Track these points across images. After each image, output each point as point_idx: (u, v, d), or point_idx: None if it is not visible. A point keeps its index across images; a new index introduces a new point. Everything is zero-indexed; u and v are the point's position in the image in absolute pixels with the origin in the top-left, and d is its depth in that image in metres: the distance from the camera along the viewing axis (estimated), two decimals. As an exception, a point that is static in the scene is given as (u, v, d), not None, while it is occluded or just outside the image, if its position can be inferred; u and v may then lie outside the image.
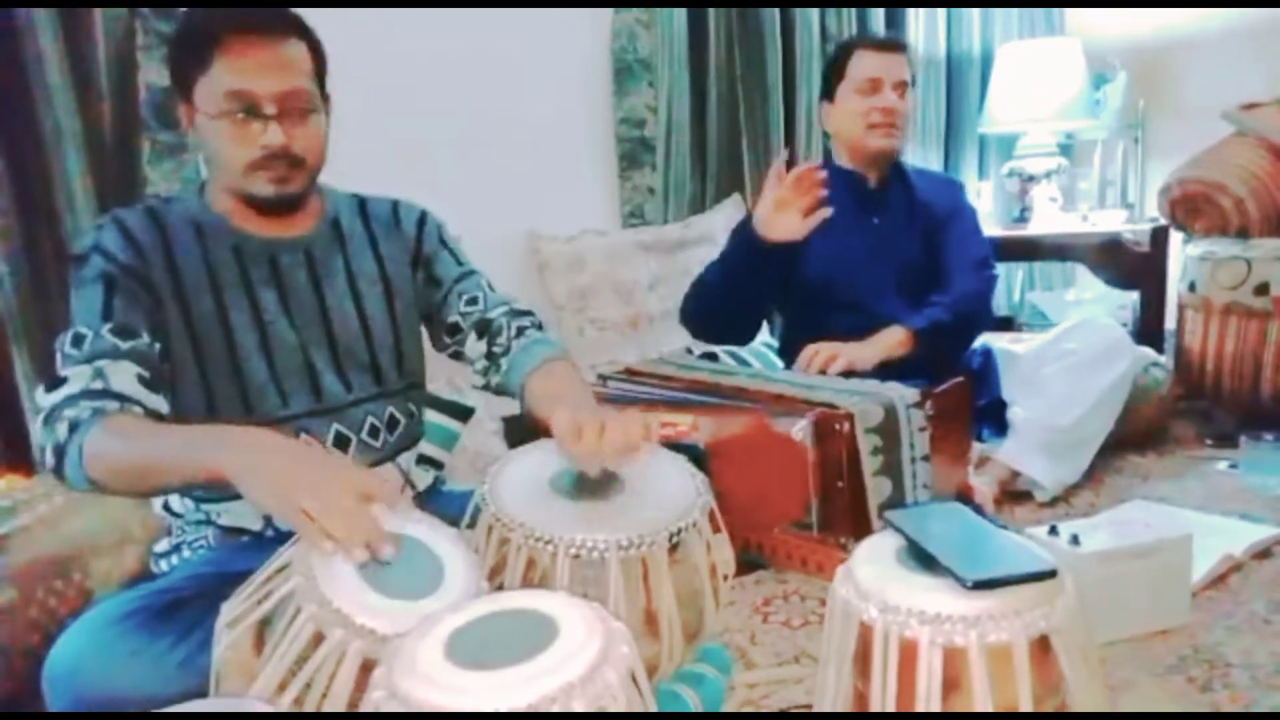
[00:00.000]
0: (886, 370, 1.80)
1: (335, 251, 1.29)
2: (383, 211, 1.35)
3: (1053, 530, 1.35)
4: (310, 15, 1.21)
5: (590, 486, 1.03)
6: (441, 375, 1.93)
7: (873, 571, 0.82)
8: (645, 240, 2.57)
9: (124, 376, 1.07)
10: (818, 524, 1.57)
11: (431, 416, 1.76)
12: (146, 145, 1.83)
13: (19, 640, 1.19)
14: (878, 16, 3.02)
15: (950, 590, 0.77)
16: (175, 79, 1.19)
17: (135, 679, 0.99)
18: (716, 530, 1.09)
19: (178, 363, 1.17)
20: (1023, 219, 3.06)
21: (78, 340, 1.09)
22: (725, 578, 1.11)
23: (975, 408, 1.90)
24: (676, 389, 1.75)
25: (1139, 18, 3.28)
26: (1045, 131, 3.10)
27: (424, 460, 1.46)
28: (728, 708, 1.18)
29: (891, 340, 1.90)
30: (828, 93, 2.08)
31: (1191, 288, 2.39)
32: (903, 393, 1.61)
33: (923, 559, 0.82)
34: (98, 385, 1.05)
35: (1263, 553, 1.59)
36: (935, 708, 0.75)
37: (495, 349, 1.30)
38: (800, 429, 1.55)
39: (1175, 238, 2.63)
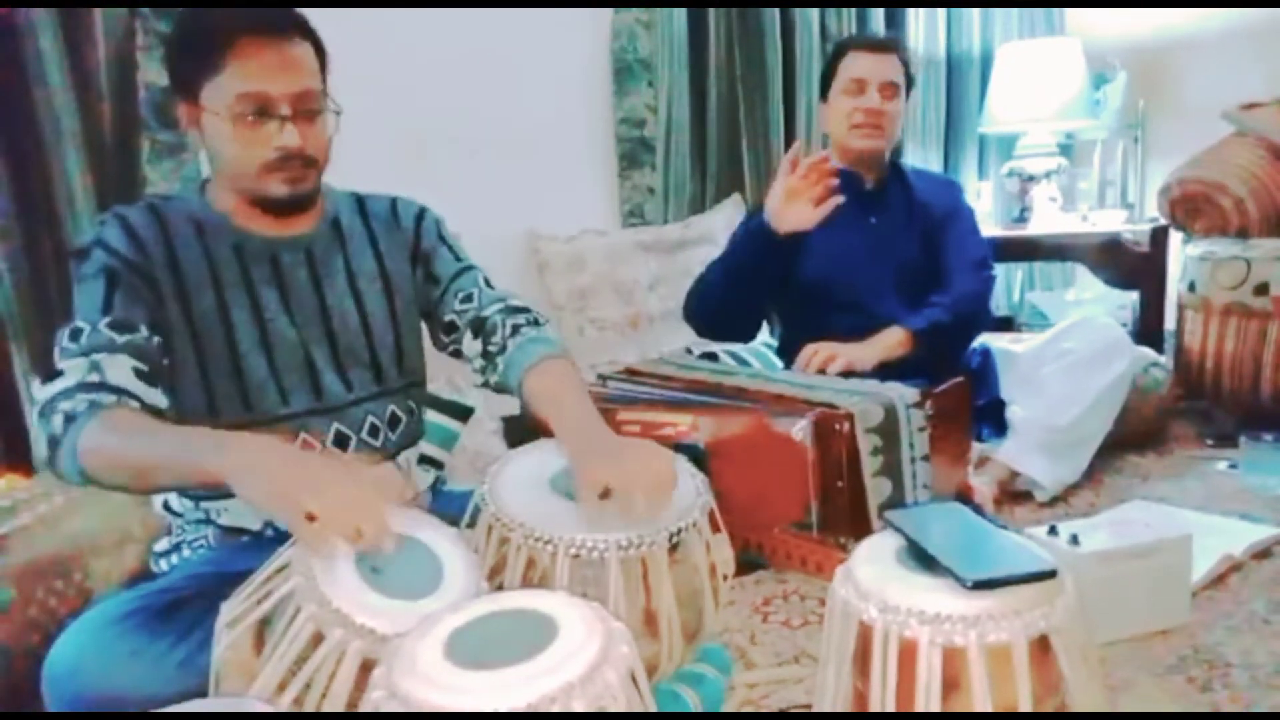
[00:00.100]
0: (886, 370, 1.80)
1: (335, 250, 1.29)
2: (381, 209, 1.35)
3: (1052, 530, 1.35)
4: (310, 15, 1.21)
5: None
6: (441, 374, 1.93)
7: (872, 571, 0.82)
8: (645, 240, 2.57)
9: (120, 370, 1.07)
10: (818, 524, 1.57)
11: (431, 416, 1.76)
12: (146, 145, 1.83)
13: (19, 640, 1.19)
14: (878, 16, 3.02)
15: (950, 590, 0.77)
16: (177, 80, 1.18)
17: (135, 679, 0.99)
18: (716, 530, 1.09)
19: (178, 360, 1.17)
20: (1022, 219, 3.06)
21: (75, 334, 1.09)
22: (725, 577, 1.11)
23: (974, 407, 1.90)
24: (676, 389, 1.75)
25: (1139, 18, 3.28)
26: (1045, 131, 3.10)
27: (424, 460, 1.46)
28: (727, 708, 1.18)
29: (890, 341, 1.90)
30: (824, 93, 2.08)
31: (1191, 288, 2.39)
32: (902, 393, 1.61)
33: (922, 559, 0.82)
34: (94, 378, 1.05)
35: (1262, 553, 1.59)
36: (935, 708, 0.75)
37: (491, 348, 1.30)
38: (800, 429, 1.55)
39: (1175, 238, 2.63)
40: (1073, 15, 3.45)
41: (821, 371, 1.81)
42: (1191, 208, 2.43)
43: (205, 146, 1.19)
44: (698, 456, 1.53)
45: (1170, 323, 2.57)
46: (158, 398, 1.10)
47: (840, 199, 1.78)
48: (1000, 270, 2.89)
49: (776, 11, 2.77)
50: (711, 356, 2.29)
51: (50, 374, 1.07)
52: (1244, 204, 2.36)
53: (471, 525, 1.06)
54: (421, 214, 1.37)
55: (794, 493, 1.57)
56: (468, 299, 1.33)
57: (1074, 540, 1.31)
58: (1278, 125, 2.46)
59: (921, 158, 3.16)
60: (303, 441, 1.22)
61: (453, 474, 1.87)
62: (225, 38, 1.12)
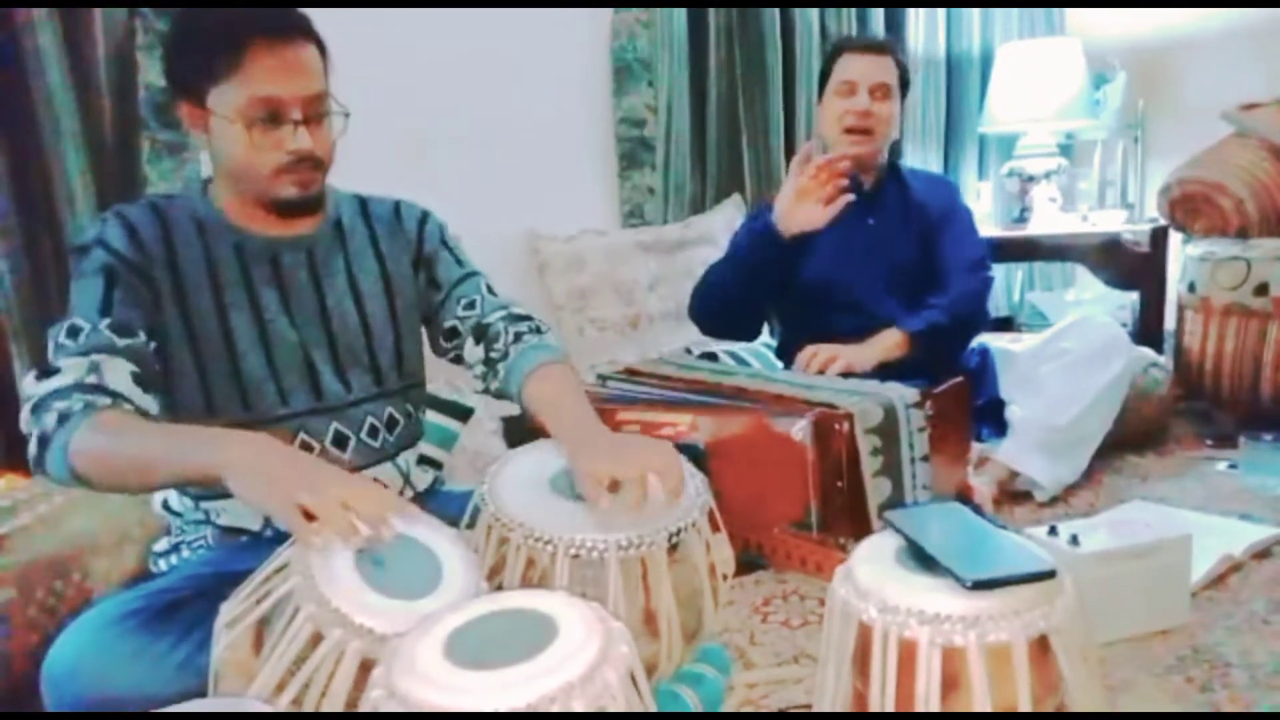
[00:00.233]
0: (885, 371, 1.81)
1: (337, 251, 1.29)
2: (384, 211, 1.35)
3: (1052, 530, 1.35)
4: (310, 15, 1.20)
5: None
6: (441, 375, 1.93)
7: (872, 571, 0.82)
8: (645, 240, 2.57)
9: (118, 373, 1.07)
10: (817, 524, 1.57)
11: (431, 416, 1.76)
12: (146, 144, 1.83)
13: (19, 640, 1.19)
14: (878, 16, 3.03)
15: (949, 590, 0.77)
16: (180, 82, 1.17)
17: (134, 679, 0.99)
18: (716, 530, 1.09)
19: (176, 360, 1.17)
20: (1022, 219, 3.06)
21: (74, 332, 1.09)
22: (724, 577, 1.11)
23: (974, 407, 1.90)
24: (676, 389, 1.75)
25: (1139, 18, 3.28)
26: (1045, 131, 3.10)
27: (423, 460, 1.46)
28: (727, 708, 1.18)
29: (888, 343, 1.90)
30: (820, 94, 2.08)
31: (1191, 288, 2.39)
32: (902, 393, 1.61)
33: (922, 559, 0.82)
34: (92, 379, 1.05)
35: (1262, 553, 1.59)
36: (934, 708, 0.75)
37: (493, 354, 1.30)
38: (800, 429, 1.55)
39: (1175, 238, 2.63)
40: (1073, 15, 3.45)
41: (821, 373, 1.81)
42: (1191, 208, 2.43)
43: (211, 149, 1.19)
44: (697, 456, 1.52)
45: (1170, 323, 2.57)
46: (150, 403, 1.10)
47: (850, 197, 1.78)
48: (1000, 270, 2.89)
49: (776, 11, 2.77)
50: (711, 356, 2.29)
51: (45, 370, 1.07)
52: (1244, 204, 2.36)
53: (471, 525, 1.06)
54: (425, 218, 1.37)
55: (794, 493, 1.57)
56: (471, 305, 1.34)
57: (1074, 540, 1.31)
58: (1277, 125, 2.46)
59: (921, 158, 3.16)
60: (301, 442, 1.23)
61: (452, 474, 1.87)
62: (234, 42, 1.11)
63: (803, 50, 2.85)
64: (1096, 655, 0.86)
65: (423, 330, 1.38)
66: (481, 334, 1.32)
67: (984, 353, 2.09)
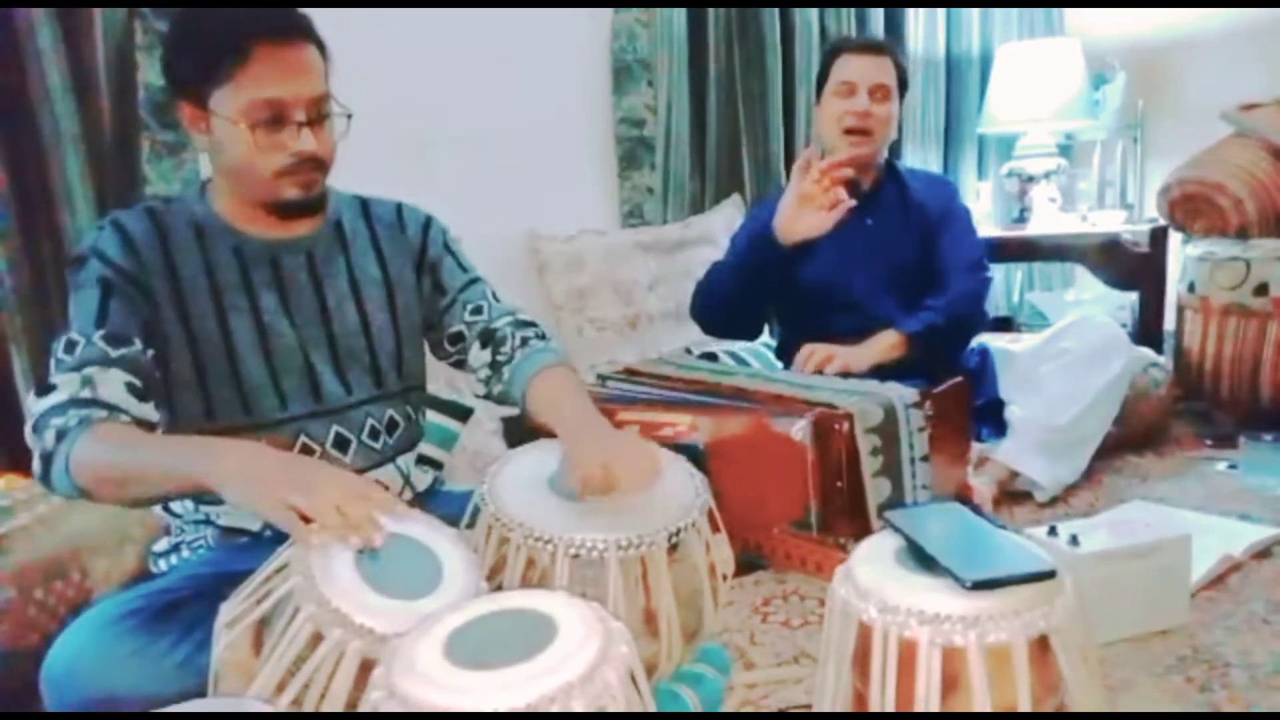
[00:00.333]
0: (884, 371, 1.80)
1: (337, 253, 1.29)
2: (386, 213, 1.35)
3: (1052, 530, 1.35)
4: (310, 16, 1.20)
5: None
6: (441, 376, 1.93)
7: (872, 571, 0.82)
8: (644, 240, 2.57)
9: (112, 385, 1.07)
10: (817, 524, 1.57)
11: (431, 417, 1.76)
12: (146, 145, 1.83)
13: (19, 640, 1.19)
14: (877, 17, 3.03)
15: (949, 590, 0.77)
16: (180, 83, 1.16)
17: (134, 679, 0.99)
18: (716, 530, 1.09)
19: (175, 365, 1.17)
20: (1022, 219, 3.06)
21: (70, 346, 1.09)
22: (724, 577, 1.11)
23: (973, 407, 1.90)
24: (676, 389, 1.76)
25: (1139, 18, 3.28)
26: (1044, 132, 3.10)
27: (423, 460, 1.46)
28: (727, 708, 1.18)
29: (885, 344, 1.90)
30: (818, 95, 2.08)
31: (1191, 288, 2.39)
32: (902, 393, 1.61)
33: (922, 559, 0.82)
34: (85, 394, 1.05)
35: (1262, 553, 1.59)
36: (934, 708, 0.75)
37: (499, 358, 1.31)
38: (799, 429, 1.55)
39: (1174, 238, 2.63)
40: (1072, 15, 3.45)
41: (819, 372, 1.81)
42: (1191, 208, 2.43)
43: (211, 150, 1.18)
44: (697, 456, 1.53)
45: (1170, 323, 2.57)
46: (149, 412, 1.10)
47: (852, 202, 1.78)
48: (1000, 270, 2.90)
49: (776, 12, 2.77)
50: (711, 356, 2.29)
51: (44, 387, 1.07)
52: (1243, 204, 2.36)
53: (471, 525, 1.06)
54: (428, 223, 1.37)
55: (793, 493, 1.57)
56: (478, 310, 1.34)
57: (1074, 540, 1.31)
58: (1277, 126, 2.47)
59: (921, 158, 3.16)
60: (302, 445, 1.22)
61: (452, 474, 1.87)
62: (236, 44, 1.10)
63: (802, 50, 2.85)
64: (1096, 655, 0.86)
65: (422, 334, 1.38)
66: (489, 339, 1.32)
67: (984, 353, 2.09)
